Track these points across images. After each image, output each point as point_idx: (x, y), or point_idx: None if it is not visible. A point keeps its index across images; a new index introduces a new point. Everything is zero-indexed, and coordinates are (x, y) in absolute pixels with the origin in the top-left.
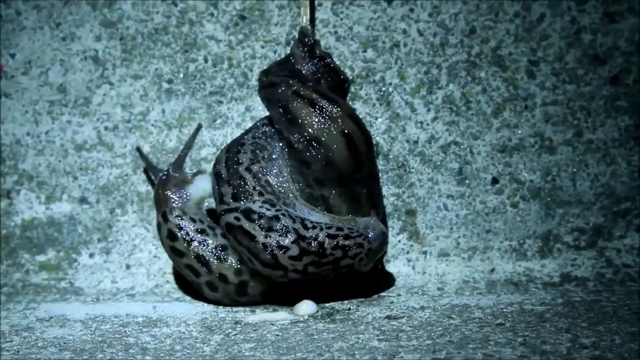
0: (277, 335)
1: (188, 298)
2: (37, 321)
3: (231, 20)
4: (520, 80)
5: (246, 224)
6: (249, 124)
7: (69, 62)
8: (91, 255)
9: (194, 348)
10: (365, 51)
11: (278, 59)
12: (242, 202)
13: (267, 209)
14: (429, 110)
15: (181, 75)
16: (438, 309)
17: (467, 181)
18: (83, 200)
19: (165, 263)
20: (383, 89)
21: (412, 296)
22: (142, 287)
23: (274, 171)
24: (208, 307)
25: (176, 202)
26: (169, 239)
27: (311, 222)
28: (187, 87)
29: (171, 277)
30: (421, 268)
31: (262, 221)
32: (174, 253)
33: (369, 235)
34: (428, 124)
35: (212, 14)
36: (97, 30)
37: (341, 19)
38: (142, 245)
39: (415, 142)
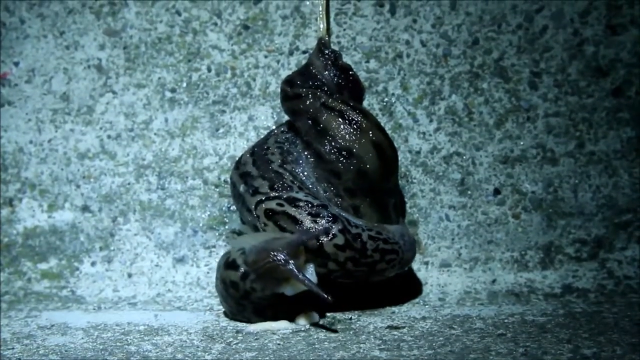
0: (279, 344)
1: (189, 307)
2: (39, 329)
3: (235, 30)
4: (522, 92)
5: (291, 209)
6: (252, 134)
7: (72, 71)
8: (93, 264)
9: (195, 356)
10: (368, 61)
11: (289, 70)
12: (282, 192)
13: (313, 199)
14: (431, 121)
15: (184, 84)
16: (439, 319)
17: (469, 192)
18: (85, 208)
19: (166, 272)
20: (386, 99)
21: (414, 306)
22: (143, 296)
23: (305, 174)
24: (209, 316)
25: (270, 291)
26: (231, 286)
27: (352, 221)
28: (190, 96)
29: (173, 286)
30: (423, 278)
31: (308, 208)
32: (224, 288)
33: (404, 244)
34: (430, 135)
35: (215, 24)
36: (100, 39)
37: (344, 30)
38: (144, 254)
39: (418, 152)
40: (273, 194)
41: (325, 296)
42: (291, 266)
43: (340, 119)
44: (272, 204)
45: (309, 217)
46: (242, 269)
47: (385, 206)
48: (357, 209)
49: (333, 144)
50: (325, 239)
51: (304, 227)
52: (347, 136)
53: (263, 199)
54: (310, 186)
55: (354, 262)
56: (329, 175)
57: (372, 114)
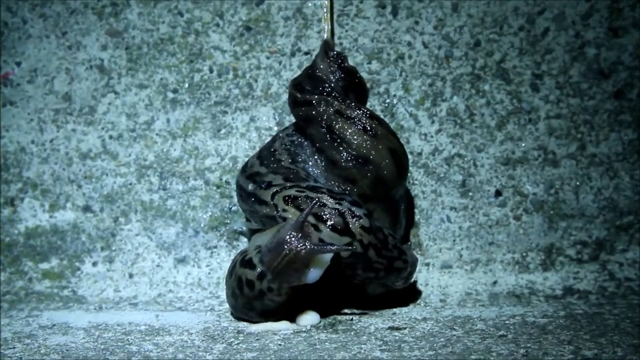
0: (280, 344)
1: (191, 307)
2: (40, 328)
3: (237, 31)
4: (524, 94)
5: (313, 194)
6: (254, 134)
7: (74, 71)
8: (94, 264)
9: (196, 357)
10: (370, 63)
11: (291, 71)
12: (299, 182)
13: (334, 189)
14: (433, 122)
15: (186, 85)
16: (440, 320)
17: (470, 193)
18: (87, 208)
19: (168, 272)
20: (387, 100)
21: (415, 307)
22: (144, 296)
23: (316, 173)
24: (211, 317)
25: (291, 285)
26: (247, 285)
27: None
28: (192, 96)
29: (174, 287)
30: (424, 280)
31: (331, 193)
32: (239, 285)
33: (407, 252)
34: (432, 136)
35: (217, 25)
36: (103, 40)
37: (346, 31)
38: (146, 254)
39: (419, 154)
40: (289, 184)
41: (354, 247)
42: (310, 246)
43: (355, 127)
44: (292, 191)
45: (332, 200)
46: (259, 269)
47: (396, 211)
48: (370, 214)
49: (349, 151)
50: (351, 220)
51: (328, 208)
52: (363, 143)
53: (279, 189)
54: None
55: (376, 250)
56: (343, 181)
57: (384, 119)
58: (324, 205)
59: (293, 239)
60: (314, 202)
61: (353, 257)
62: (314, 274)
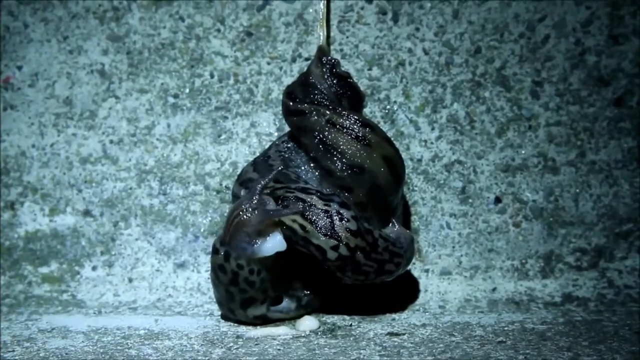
0: (279, 349)
1: (190, 312)
2: (39, 332)
3: (238, 37)
4: (524, 101)
5: (302, 195)
6: (254, 140)
7: (75, 75)
8: (94, 268)
9: None
10: (370, 69)
11: (291, 77)
12: (289, 184)
13: (324, 190)
14: (433, 128)
15: (187, 90)
16: (439, 327)
17: (470, 200)
18: (87, 213)
19: (167, 277)
20: (388, 107)
21: (414, 313)
22: (144, 301)
23: (307, 177)
24: (210, 321)
25: (243, 253)
26: (220, 270)
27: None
28: (192, 102)
29: (173, 291)
30: (423, 286)
31: (320, 194)
32: (215, 274)
33: (404, 241)
34: (432, 143)
35: (218, 30)
36: (104, 44)
37: (347, 37)
38: (145, 259)
39: (419, 160)
40: (279, 185)
41: (305, 205)
42: (260, 209)
43: (348, 136)
44: (281, 192)
45: (321, 201)
46: (222, 251)
47: (392, 217)
48: (367, 221)
49: (344, 161)
50: (338, 222)
51: (317, 209)
52: (357, 153)
53: (269, 191)
54: None
55: (364, 253)
56: (339, 189)
57: (378, 126)
58: (313, 206)
59: (246, 203)
60: (270, 178)
61: (341, 260)
62: (268, 247)
